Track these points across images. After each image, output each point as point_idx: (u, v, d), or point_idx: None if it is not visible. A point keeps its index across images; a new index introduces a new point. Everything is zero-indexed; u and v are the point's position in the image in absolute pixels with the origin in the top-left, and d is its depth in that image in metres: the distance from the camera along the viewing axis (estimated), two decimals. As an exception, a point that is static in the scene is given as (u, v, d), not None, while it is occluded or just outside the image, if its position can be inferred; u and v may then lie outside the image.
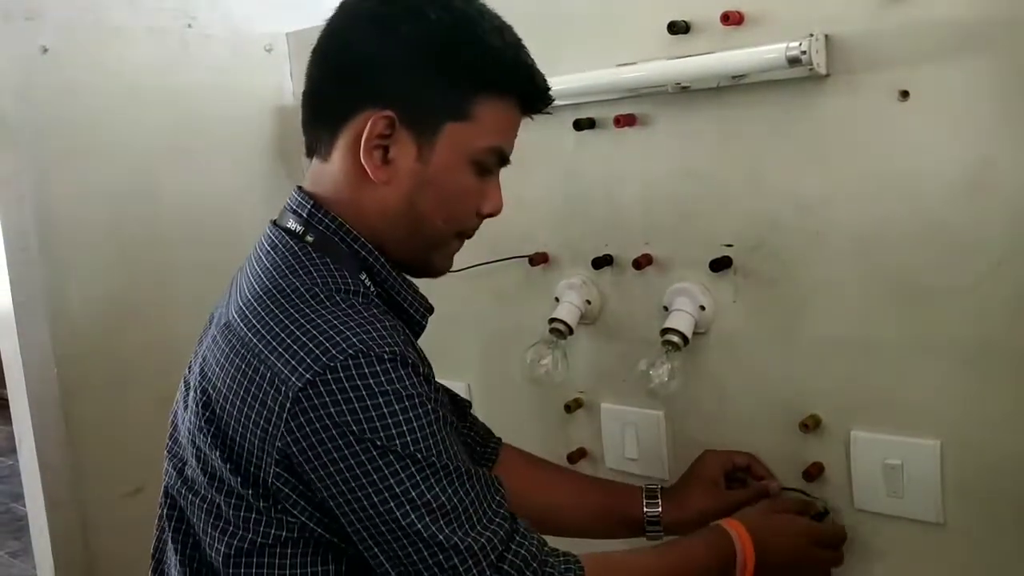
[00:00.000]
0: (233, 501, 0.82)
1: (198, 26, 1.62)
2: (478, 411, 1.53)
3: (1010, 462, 1.03)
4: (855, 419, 1.12)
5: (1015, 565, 1.04)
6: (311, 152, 0.93)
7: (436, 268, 0.97)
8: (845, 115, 1.07)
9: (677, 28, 1.16)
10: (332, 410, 0.76)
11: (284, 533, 0.81)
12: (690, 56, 1.14)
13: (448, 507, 0.78)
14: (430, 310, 0.98)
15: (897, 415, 1.09)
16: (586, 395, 1.38)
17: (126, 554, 1.50)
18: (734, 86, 1.15)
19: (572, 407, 1.38)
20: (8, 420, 1.52)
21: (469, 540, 0.79)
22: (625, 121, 1.24)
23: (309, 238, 0.88)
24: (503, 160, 0.93)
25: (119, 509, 1.52)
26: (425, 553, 0.78)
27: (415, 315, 0.96)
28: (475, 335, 1.51)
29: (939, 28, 1.00)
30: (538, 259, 1.38)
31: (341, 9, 0.90)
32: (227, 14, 1.66)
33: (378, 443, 0.76)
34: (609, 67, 1.22)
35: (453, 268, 1.46)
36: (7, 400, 1.49)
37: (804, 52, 1.04)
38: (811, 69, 1.05)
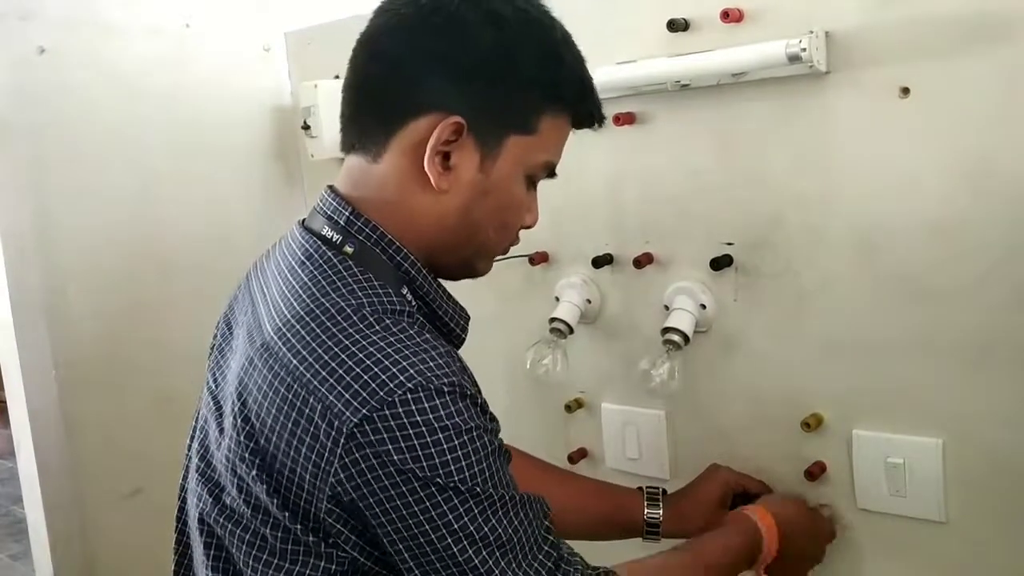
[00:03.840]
0: (280, 534, 0.78)
1: (196, 25, 1.61)
2: (478, 411, 1.53)
3: (1012, 460, 1.02)
4: (857, 418, 1.12)
5: (1018, 563, 1.04)
6: (350, 149, 0.87)
7: (480, 271, 0.94)
8: (846, 112, 1.07)
9: (677, 26, 1.16)
10: (390, 447, 0.72)
11: (333, 567, 0.78)
12: (690, 54, 1.14)
13: (504, 539, 0.77)
14: (468, 319, 0.94)
15: (899, 414, 1.09)
16: (587, 395, 1.38)
17: (125, 556, 1.50)
18: (734, 84, 1.14)
19: (572, 407, 1.38)
20: (7, 423, 1.52)
21: (521, 571, 0.78)
22: (625, 119, 1.24)
23: (348, 249, 0.83)
24: (551, 173, 0.91)
25: (118, 511, 1.51)
26: None
27: (455, 328, 0.92)
28: (475, 335, 1.50)
29: (939, 24, 0.99)
30: (538, 258, 1.37)
31: (405, 4, 0.84)
32: (225, 13, 1.66)
33: (438, 480, 0.74)
34: (608, 65, 1.21)
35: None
36: (5, 403, 1.49)
37: (804, 49, 1.03)
38: (811, 66, 1.05)
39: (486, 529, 0.76)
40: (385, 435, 0.72)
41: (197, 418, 0.95)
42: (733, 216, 1.18)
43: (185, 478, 0.94)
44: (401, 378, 0.73)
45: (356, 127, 0.87)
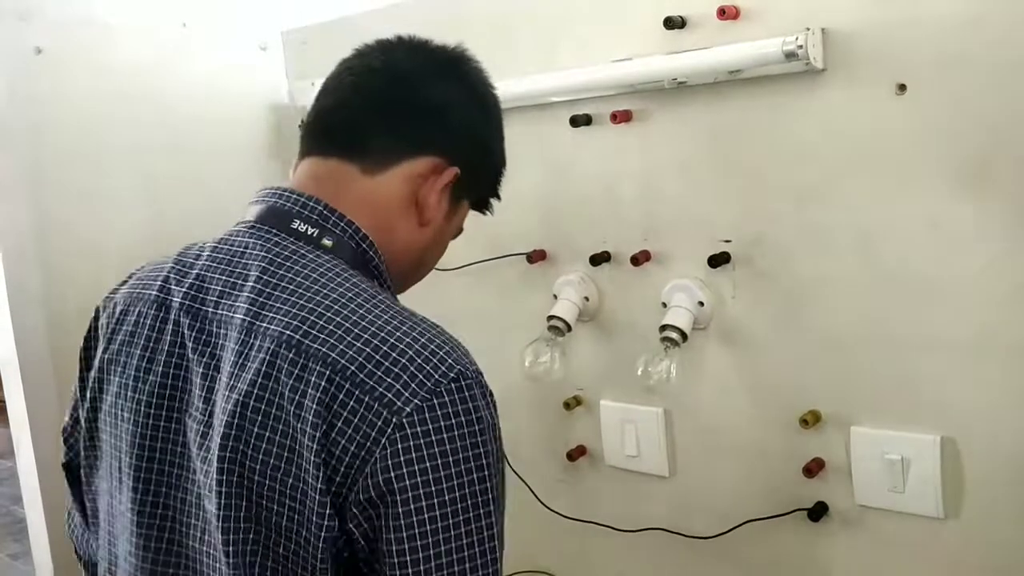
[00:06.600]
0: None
1: (192, 25, 1.61)
2: (477, 409, 1.53)
3: (1011, 456, 1.02)
4: (855, 414, 1.12)
5: (1016, 558, 1.04)
6: (331, 153, 0.87)
7: None
8: (842, 109, 1.07)
9: (673, 23, 1.16)
10: (442, 435, 0.72)
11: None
12: (686, 51, 1.14)
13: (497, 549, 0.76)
14: None
15: (897, 410, 1.09)
16: (585, 392, 1.38)
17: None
18: (731, 81, 1.14)
19: (571, 404, 1.38)
20: (6, 422, 1.52)
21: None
22: (622, 117, 1.24)
23: (327, 242, 0.83)
24: None
25: (118, 511, 1.51)
26: None
27: None
28: (473, 333, 1.50)
29: (937, 21, 0.99)
30: (536, 256, 1.38)
31: (434, 57, 0.92)
32: (221, 13, 1.66)
33: (472, 473, 0.73)
34: (605, 63, 1.21)
35: (452, 266, 1.47)
36: (5, 403, 1.49)
37: (801, 46, 1.03)
38: (808, 63, 1.05)
39: (492, 531, 0.74)
40: (431, 425, 0.72)
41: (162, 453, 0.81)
42: (731, 213, 1.18)
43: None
44: (444, 368, 0.74)
45: (358, 137, 0.87)
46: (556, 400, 1.39)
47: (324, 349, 0.74)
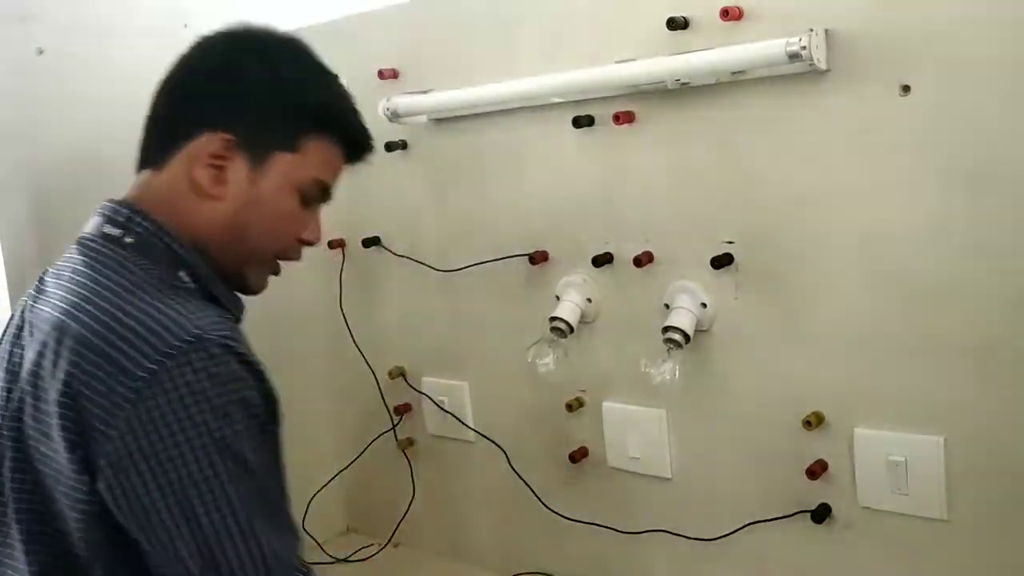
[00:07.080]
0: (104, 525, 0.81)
1: (194, 26, 1.61)
2: (479, 410, 1.53)
3: (1014, 457, 1.02)
4: (858, 416, 1.12)
5: (1019, 560, 1.04)
6: (140, 167, 0.98)
7: (251, 285, 1.00)
8: (846, 110, 1.07)
9: (676, 24, 1.16)
10: (173, 396, 0.77)
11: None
12: (689, 52, 1.13)
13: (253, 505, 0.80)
14: (242, 310, 1.01)
15: (900, 412, 1.09)
16: (588, 394, 1.38)
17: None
18: (734, 82, 1.14)
19: (574, 406, 1.38)
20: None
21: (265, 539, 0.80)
22: (624, 118, 1.24)
23: (128, 240, 0.91)
24: (325, 193, 1.00)
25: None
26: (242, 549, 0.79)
27: (230, 309, 0.98)
28: (475, 334, 1.51)
29: (940, 22, 0.99)
30: (538, 257, 1.37)
31: (194, 53, 0.98)
32: (221, 13, 1.65)
33: (214, 434, 0.78)
34: (608, 64, 1.21)
35: (455, 267, 1.47)
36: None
37: (804, 47, 1.03)
38: (811, 64, 1.05)
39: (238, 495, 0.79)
40: (165, 386, 0.77)
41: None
42: (733, 214, 1.18)
43: None
44: (179, 333, 0.79)
45: (147, 147, 0.98)
46: (558, 401, 1.39)
47: (77, 326, 0.82)
